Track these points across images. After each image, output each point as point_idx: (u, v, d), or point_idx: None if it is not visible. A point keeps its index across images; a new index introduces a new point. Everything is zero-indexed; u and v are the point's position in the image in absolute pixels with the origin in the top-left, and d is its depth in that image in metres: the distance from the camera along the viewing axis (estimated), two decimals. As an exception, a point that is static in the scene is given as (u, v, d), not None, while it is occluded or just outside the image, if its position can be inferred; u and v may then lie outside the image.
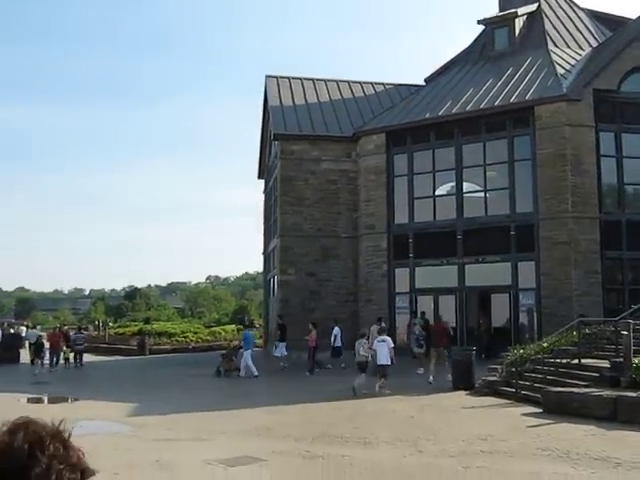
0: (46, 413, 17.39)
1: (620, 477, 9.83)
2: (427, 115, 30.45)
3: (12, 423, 1.97)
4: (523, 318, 28.02)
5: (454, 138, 29.72)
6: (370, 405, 17.44)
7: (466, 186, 30.77)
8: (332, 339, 26.54)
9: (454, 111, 29.52)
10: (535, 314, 27.29)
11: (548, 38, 31.44)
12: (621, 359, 15.91)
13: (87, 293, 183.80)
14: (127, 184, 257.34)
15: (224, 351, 28.64)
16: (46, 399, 21.11)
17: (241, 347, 26.53)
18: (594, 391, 14.86)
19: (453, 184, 30.55)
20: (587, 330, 19.49)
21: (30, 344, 31.63)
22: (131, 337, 42.94)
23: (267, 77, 36.16)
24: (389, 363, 19.36)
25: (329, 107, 34.14)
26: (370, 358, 19.88)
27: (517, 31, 32.55)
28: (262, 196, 41.60)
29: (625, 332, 16.01)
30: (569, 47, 31.42)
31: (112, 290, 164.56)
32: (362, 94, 35.79)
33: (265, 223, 40.13)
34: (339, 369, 25.69)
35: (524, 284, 27.87)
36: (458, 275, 29.15)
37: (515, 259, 28.04)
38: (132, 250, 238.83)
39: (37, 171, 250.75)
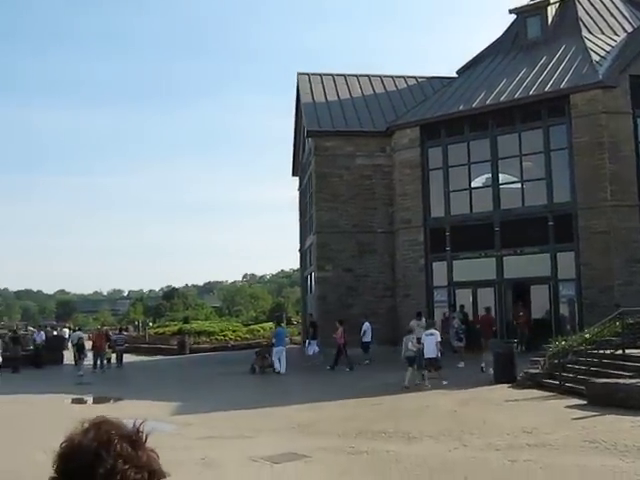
0: (90, 413, 17.63)
1: (670, 468, 9.69)
2: (461, 107, 30.22)
3: (89, 422, 2.02)
4: (563, 309, 27.72)
5: (489, 129, 29.46)
6: (411, 400, 17.41)
7: (502, 177, 30.50)
8: (361, 334, 26.78)
9: (488, 102, 29.26)
10: (576, 305, 26.99)
11: (582, 25, 30.99)
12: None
13: (126, 294, 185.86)
14: (162, 185, 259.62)
15: (258, 349, 28.91)
16: (90, 399, 21.42)
17: (273, 344, 26.83)
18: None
19: (489, 176, 30.30)
20: (630, 320, 19.19)
21: (73, 345, 32.12)
22: (171, 337, 43.33)
23: (299, 74, 36.20)
24: (437, 356, 19.56)
25: (362, 102, 34.06)
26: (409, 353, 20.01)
27: (550, 19, 32.14)
28: (297, 193, 41.67)
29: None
30: (603, 33, 30.92)
31: (150, 291, 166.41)
32: (394, 88, 35.63)
33: (301, 220, 40.19)
34: (364, 365, 25.90)
35: (564, 275, 27.54)
36: (496, 267, 28.89)
37: (554, 250, 27.71)
38: (168, 251, 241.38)
39: (69, 173, 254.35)
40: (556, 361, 18.08)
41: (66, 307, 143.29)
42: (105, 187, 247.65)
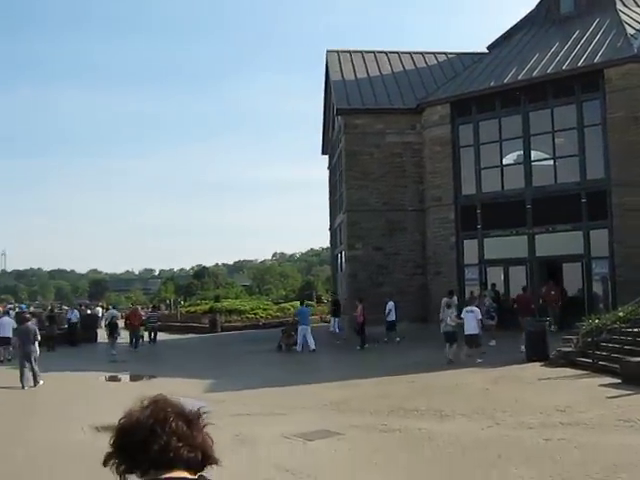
0: (125, 390, 17.91)
1: None
2: (492, 83, 29.84)
3: (148, 399, 2.05)
4: (597, 287, 27.38)
5: (520, 105, 29.05)
6: (443, 378, 17.40)
7: (534, 154, 30.10)
8: (386, 313, 26.89)
9: (520, 78, 28.84)
10: (609, 283, 26.66)
11: (616, -3, 30.34)
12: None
13: (157, 273, 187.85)
14: (193, 165, 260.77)
15: (284, 327, 29.17)
16: (124, 377, 21.70)
17: (297, 323, 27.16)
18: (675, 360, 14.48)
19: (520, 153, 29.92)
20: (666, 298, 18.94)
21: (106, 324, 32.55)
22: (202, 315, 43.67)
23: (328, 52, 35.98)
24: (478, 332, 19.74)
25: (391, 79, 33.78)
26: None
27: (583, -8, 31.50)
28: (326, 172, 41.59)
29: None
30: (638, 6, 30.27)
31: (181, 270, 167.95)
32: (424, 65, 35.27)
33: (330, 198, 40.13)
34: (394, 343, 26.05)
35: (597, 253, 27.19)
36: (528, 245, 28.62)
37: (587, 227, 27.35)
38: (199, 230, 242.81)
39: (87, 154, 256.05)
40: (589, 339, 17.93)
41: (98, 286, 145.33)
42: (134, 169, 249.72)
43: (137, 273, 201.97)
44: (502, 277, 29.36)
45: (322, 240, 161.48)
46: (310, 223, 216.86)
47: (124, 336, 31.77)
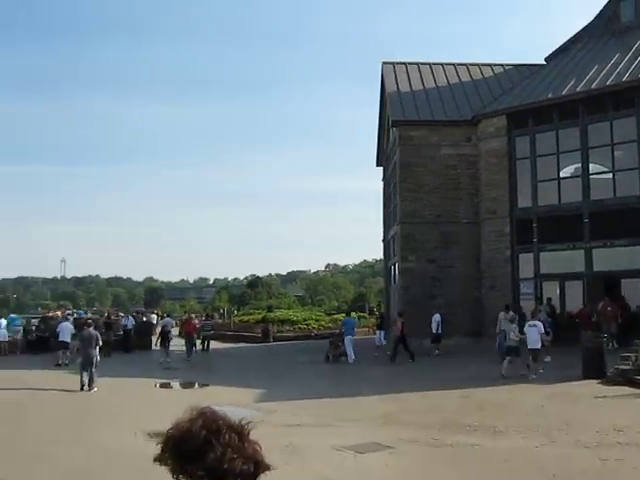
0: (177, 398, 18.13)
1: None
2: (549, 95, 29.44)
3: (193, 411, 2.10)
4: (657, 304, 26.72)
5: (579, 117, 28.58)
6: (496, 393, 17.16)
7: (592, 167, 29.56)
8: (434, 326, 27.07)
9: (578, 89, 28.39)
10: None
11: (679, 7, 29.71)
12: None
13: (211, 282, 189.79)
14: (246, 176, 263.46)
15: (331, 338, 29.20)
16: (177, 384, 21.94)
17: (343, 333, 27.38)
18: None
19: (578, 165, 29.44)
20: None
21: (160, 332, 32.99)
22: (255, 325, 43.91)
23: (383, 63, 36.03)
24: (539, 347, 19.63)
25: (447, 91, 33.62)
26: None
27: (645, 2, 30.92)
28: (381, 183, 41.53)
29: None
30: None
31: (235, 279, 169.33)
32: (480, 76, 35.02)
33: (384, 210, 40.03)
34: (433, 356, 26.24)
35: (657, 268, 26.52)
36: (585, 260, 28.09)
37: (646, 242, 26.71)
38: (252, 240, 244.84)
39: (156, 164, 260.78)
40: (649, 357, 17.47)
41: (154, 294, 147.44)
42: (189, 180, 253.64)
43: (192, 282, 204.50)
44: (558, 292, 28.89)
45: (375, 252, 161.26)
46: (364, 235, 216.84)
47: (176, 344, 32.16)
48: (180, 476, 2.02)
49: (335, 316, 48.75)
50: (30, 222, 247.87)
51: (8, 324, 32.63)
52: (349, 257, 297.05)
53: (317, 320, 45.54)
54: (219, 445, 1.97)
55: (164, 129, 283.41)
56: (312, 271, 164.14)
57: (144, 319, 38.47)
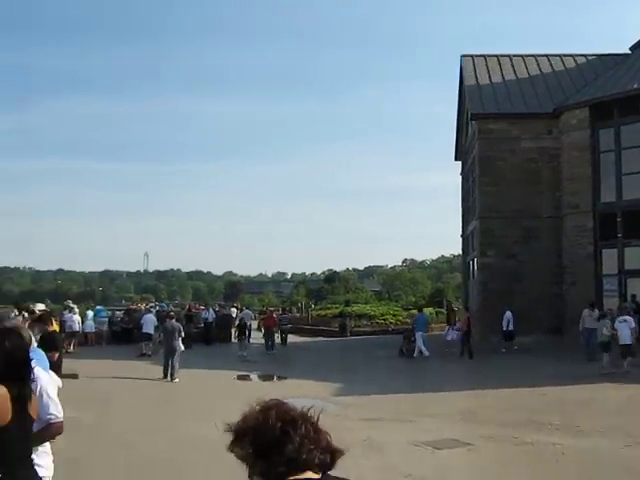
0: (256, 390, 18.39)
1: None
2: (635, 85, 28.49)
3: (264, 403, 2.14)
4: None
5: (667, 108, 27.60)
6: (577, 391, 16.79)
7: (681, 159, 28.49)
8: (505, 323, 26.97)
9: (666, 79, 27.41)
10: None
11: None
12: None
13: (289, 277, 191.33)
14: (322, 170, 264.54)
15: (405, 333, 29.18)
16: (256, 377, 22.25)
17: (415, 329, 27.54)
18: None
19: (666, 158, 28.40)
20: None
21: (238, 325, 33.47)
22: (332, 319, 44.07)
23: (462, 57, 35.55)
24: (631, 343, 19.34)
25: (527, 83, 32.93)
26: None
27: None
28: (459, 178, 41.05)
29: None
30: None
31: (312, 274, 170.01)
32: (562, 67, 34.15)
33: (463, 205, 39.54)
34: (512, 352, 26.05)
35: None
36: (673, 255, 27.14)
37: None
38: (330, 235, 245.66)
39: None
40: None
41: (233, 288, 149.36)
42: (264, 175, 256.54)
43: (270, 276, 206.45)
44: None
45: (453, 247, 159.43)
46: (441, 230, 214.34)
47: (255, 337, 32.61)
48: (255, 466, 2.05)
49: (412, 311, 48.45)
50: (115, 218, 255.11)
51: (94, 316, 33.65)
52: (427, 252, 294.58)
53: (394, 315, 45.33)
54: (297, 436, 2.01)
55: (244, 126, 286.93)
56: (389, 266, 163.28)
57: (224, 312, 39.08)
